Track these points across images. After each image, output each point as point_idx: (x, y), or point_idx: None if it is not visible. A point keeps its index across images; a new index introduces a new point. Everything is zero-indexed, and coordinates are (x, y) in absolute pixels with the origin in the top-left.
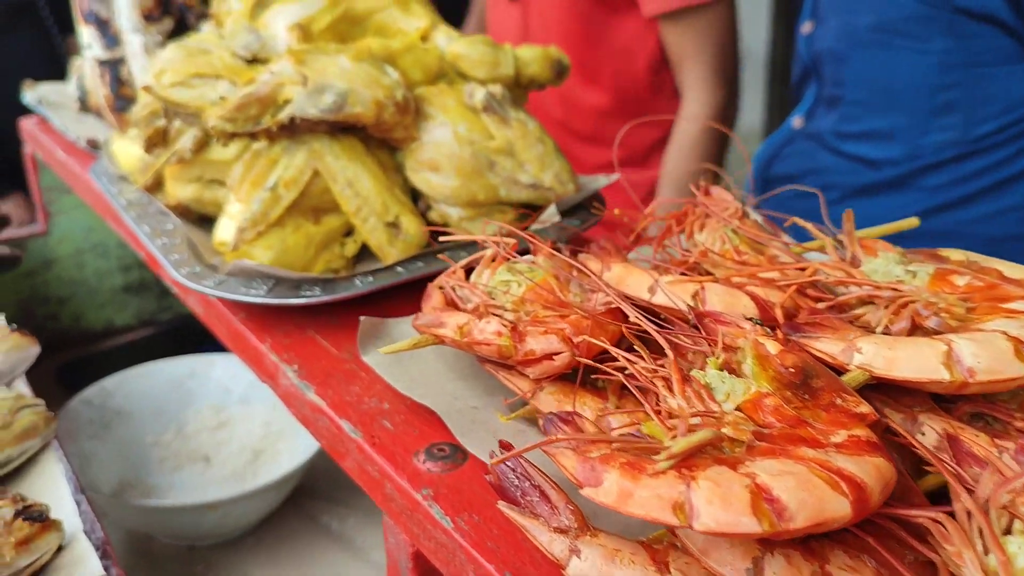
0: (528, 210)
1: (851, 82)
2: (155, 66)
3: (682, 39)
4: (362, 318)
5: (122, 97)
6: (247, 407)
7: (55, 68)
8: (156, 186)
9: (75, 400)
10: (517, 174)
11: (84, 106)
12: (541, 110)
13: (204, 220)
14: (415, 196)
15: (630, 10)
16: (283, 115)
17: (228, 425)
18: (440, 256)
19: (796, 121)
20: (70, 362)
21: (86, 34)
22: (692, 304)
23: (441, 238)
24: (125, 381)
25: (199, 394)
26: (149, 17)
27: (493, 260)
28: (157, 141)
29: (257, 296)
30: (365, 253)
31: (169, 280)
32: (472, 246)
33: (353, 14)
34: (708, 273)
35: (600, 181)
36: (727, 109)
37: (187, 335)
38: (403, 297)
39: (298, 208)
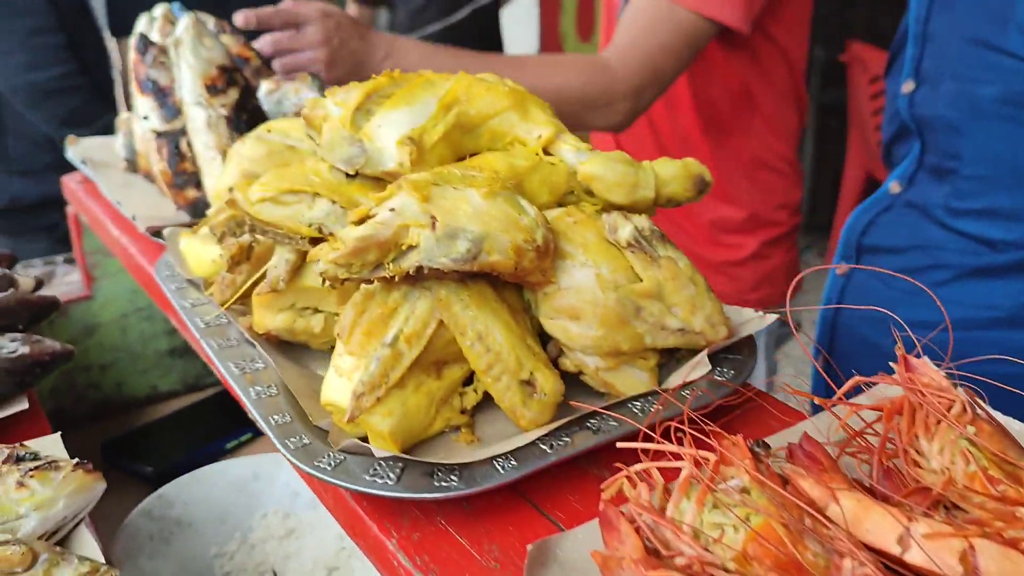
0: (671, 354)
1: (969, 156)
2: (233, 167)
3: (632, 18)
4: (530, 547)
5: (181, 172)
6: (317, 513)
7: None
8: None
9: (134, 514)
10: (665, 319)
11: (132, 167)
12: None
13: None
14: (542, 337)
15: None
16: (408, 264)
17: (297, 534)
18: (618, 466)
19: (893, 186)
20: (115, 439)
21: (143, 105)
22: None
23: (621, 451)
24: (185, 486)
25: (264, 498)
26: (212, 88)
27: (690, 480)
28: (240, 259)
29: (385, 488)
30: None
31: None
32: (625, 407)
33: (466, 121)
34: (955, 506)
35: (752, 323)
36: (618, 104)
37: (231, 398)
38: (549, 477)
39: (419, 364)
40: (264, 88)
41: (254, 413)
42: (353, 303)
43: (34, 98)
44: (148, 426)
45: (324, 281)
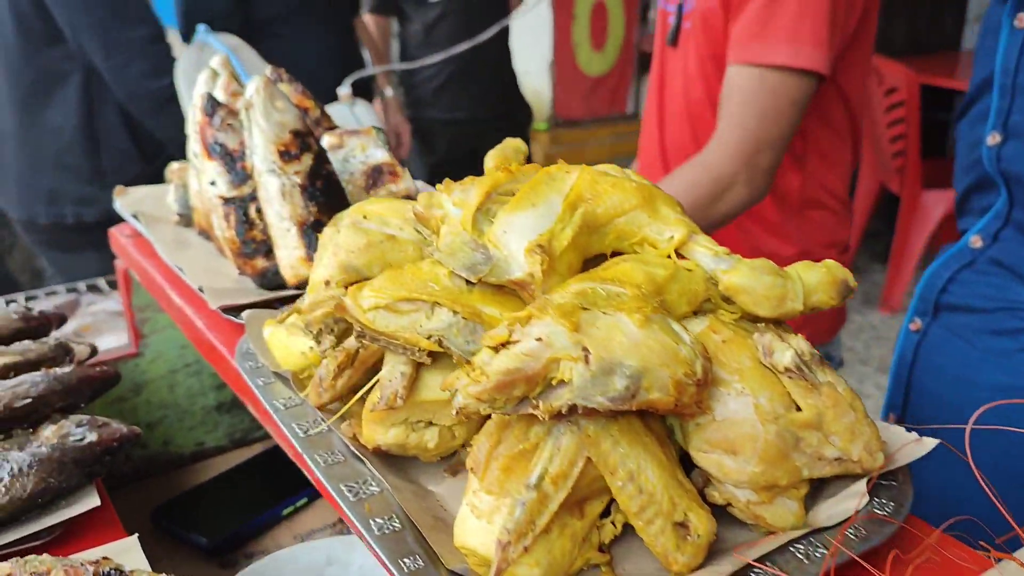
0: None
1: None
2: (330, 258)
3: (726, 101)
4: None
5: (249, 240)
6: None
7: None
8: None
9: None
10: (823, 448)
11: (186, 220)
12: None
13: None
14: (684, 463)
15: None
16: (559, 402)
17: None
18: None
19: (974, 240)
20: (165, 505)
21: (210, 169)
22: None
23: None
24: (257, 574)
25: None
26: (285, 154)
27: None
28: (346, 366)
29: None
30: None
31: None
32: (788, 551)
33: (593, 220)
34: None
35: (908, 450)
36: (741, 186)
37: (283, 457)
38: None
39: (564, 504)
40: (327, 142)
41: (381, 555)
42: (487, 433)
43: (156, 105)
44: (199, 489)
45: (457, 412)
